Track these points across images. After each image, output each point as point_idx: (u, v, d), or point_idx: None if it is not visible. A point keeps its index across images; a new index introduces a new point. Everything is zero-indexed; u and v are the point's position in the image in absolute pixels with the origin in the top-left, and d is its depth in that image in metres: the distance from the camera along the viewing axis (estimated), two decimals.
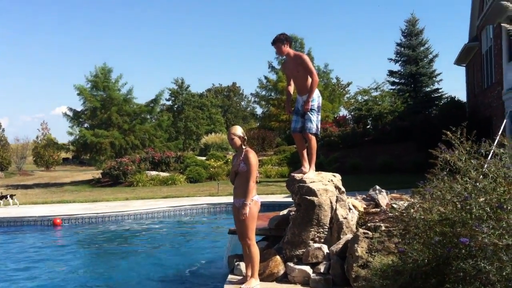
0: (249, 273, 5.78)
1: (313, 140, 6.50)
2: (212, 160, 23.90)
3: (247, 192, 5.54)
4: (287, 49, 6.39)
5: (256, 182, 5.86)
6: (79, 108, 27.87)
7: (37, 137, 46.08)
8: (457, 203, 4.14)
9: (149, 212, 13.41)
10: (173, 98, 52.86)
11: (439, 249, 4.02)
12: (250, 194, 5.57)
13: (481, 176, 4.25)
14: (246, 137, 5.84)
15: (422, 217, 4.34)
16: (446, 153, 4.60)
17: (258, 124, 42.94)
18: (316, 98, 6.40)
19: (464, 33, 24.06)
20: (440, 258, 4.02)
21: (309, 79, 6.35)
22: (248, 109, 66.62)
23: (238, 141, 5.70)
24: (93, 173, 26.31)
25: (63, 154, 41.75)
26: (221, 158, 24.77)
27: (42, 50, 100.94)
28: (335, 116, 29.90)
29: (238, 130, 5.79)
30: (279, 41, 6.35)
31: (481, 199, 3.99)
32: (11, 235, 11.48)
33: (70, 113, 27.65)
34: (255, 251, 5.70)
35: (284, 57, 6.58)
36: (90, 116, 27.28)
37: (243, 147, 5.72)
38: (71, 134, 27.17)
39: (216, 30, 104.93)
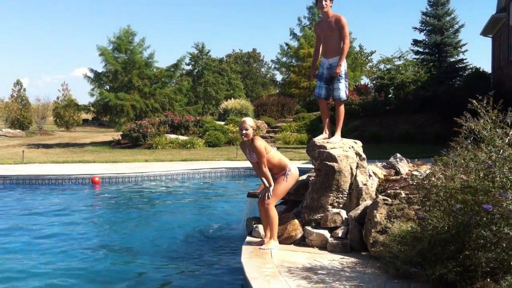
0: (268, 235, 5.87)
1: (342, 107, 6.55)
2: (230, 125, 23.92)
3: (266, 179, 5.81)
4: (329, 6, 6.32)
5: (277, 148, 6.00)
6: (100, 69, 27.96)
7: (57, 98, 46.48)
8: (480, 171, 4.12)
9: (168, 174, 13.56)
10: (193, 63, 52.70)
11: (459, 216, 4.02)
12: (269, 178, 5.82)
13: (506, 145, 4.20)
14: (257, 128, 5.90)
15: (444, 184, 4.33)
16: (471, 122, 4.55)
17: (277, 91, 42.76)
18: (344, 64, 6.37)
19: (492, 4, 23.44)
20: (461, 225, 4.03)
21: (340, 42, 6.30)
22: (268, 75, 66.22)
23: (251, 133, 5.74)
24: (112, 135, 26.54)
25: (83, 115, 42.12)
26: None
27: (62, 11, 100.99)
28: (356, 84, 29.57)
29: (251, 121, 5.83)
30: None
31: (505, 168, 3.96)
32: (34, 193, 11.70)
33: (91, 75, 27.72)
34: (274, 214, 5.80)
35: (318, 16, 6.52)
36: (111, 79, 27.33)
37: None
38: (92, 95, 27.31)
39: None
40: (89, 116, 45.94)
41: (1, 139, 29.29)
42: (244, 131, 5.73)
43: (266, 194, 5.82)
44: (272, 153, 5.90)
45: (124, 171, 13.47)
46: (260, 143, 5.72)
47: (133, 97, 26.29)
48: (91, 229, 8.26)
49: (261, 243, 5.92)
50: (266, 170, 5.80)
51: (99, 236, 7.86)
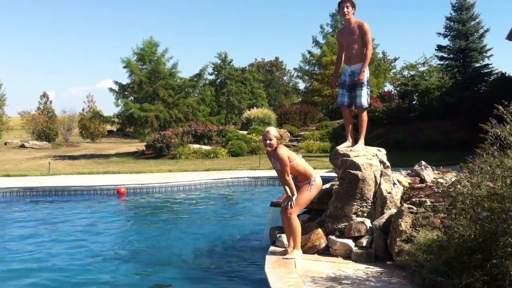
0: (292, 245, 5.84)
1: (365, 114, 6.50)
2: (253, 134, 23.93)
3: (289, 187, 5.80)
4: (351, 13, 6.32)
5: (301, 156, 5.99)
6: (124, 81, 28.28)
7: (83, 110, 47.11)
8: (507, 178, 4.04)
9: (191, 184, 13.61)
10: (216, 73, 52.98)
11: (486, 224, 3.94)
12: (292, 187, 5.80)
13: None
14: (280, 137, 5.87)
15: (470, 192, 4.25)
16: (497, 128, 4.47)
17: (300, 99, 42.70)
18: (366, 71, 6.33)
19: None
20: (487, 233, 3.95)
21: (363, 49, 6.27)
22: (290, 84, 66.18)
23: (275, 143, 5.73)
24: (137, 145, 26.78)
25: (108, 127, 42.60)
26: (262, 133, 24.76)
27: (87, 24, 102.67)
28: (380, 91, 29.36)
29: (275, 131, 5.81)
30: (349, 1, 6.28)
31: None
32: (60, 204, 11.86)
33: (116, 87, 28.07)
34: (296, 223, 5.78)
35: (341, 23, 6.53)
36: (136, 90, 27.62)
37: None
38: (117, 105, 27.62)
39: (260, 4, 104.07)
40: (114, 128, 46.44)
41: (28, 151, 29.78)
42: (268, 141, 5.72)
43: (289, 203, 5.80)
44: (297, 161, 5.87)
45: (148, 182, 13.57)
46: (283, 151, 5.70)
47: (157, 107, 26.53)
48: (116, 240, 8.32)
49: (284, 252, 5.89)
50: (289, 178, 5.78)
51: (124, 247, 7.90)
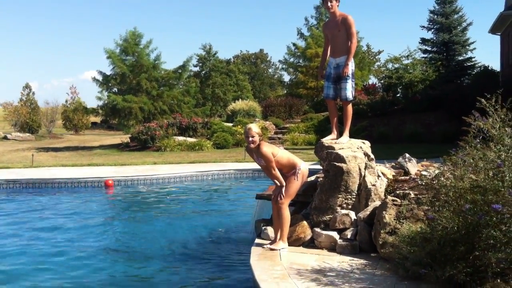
0: (278, 236, 5.86)
1: (349, 107, 6.53)
2: (239, 126, 23.90)
3: (277, 180, 5.85)
4: (335, 6, 6.31)
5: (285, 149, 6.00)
6: (108, 72, 28.06)
7: (66, 101, 46.61)
8: (489, 170, 4.09)
9: (176, 177, 13.57)
10: (200, 64, 52.77)
11: (469, 216, 3.99)
12: (280, 179, 5.85)
13: None
14: (262, 134, 5.91)
15: (453, 184, 4.30)
16: (480, 121, 4.51)
17: (285, 91, 42.75)
18: (351, 64, 6.35)
19: (500, 1, 23.31)
20: (470, 225, 4.00)
21: (348, 42, 6.28)
22: (276, 76, 66.19)
23: (257, 140, 5.75)
24: (121, 138, 26.61)
25: (92, 119, 42.25)
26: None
27: (71, 14, 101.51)
28: (364, 84, 29.45)
29: (256, 128, 5.84)
30: None
31: None
32: (44, 197, 11.76)
33: (100, 77, 27.83)
34: (287, 214, 5.82)
35: (328, 16, 6.53)
36: (119, 82, 27.42)
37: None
38: (100, 99, 27.45)
39: None
40: (97, 119, 46.11)
41: (11, 143, 29.46)
42: (250, 138, 5.74)
43: (280, 194, 5.82)
44: (280, 154, 5.88)
45: (133, 174, 13.51)
46: (266, 149, 5.72)
47: (141, 99, 26.38)
48: (101, 233, 8.27)
49: (271, 244, 5.91)
50: (276, 172, 5.81)
51: (108, 240, 7.86)
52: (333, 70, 6.50)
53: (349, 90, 6.40)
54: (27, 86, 43.42)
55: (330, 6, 6.30)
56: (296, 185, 5.91)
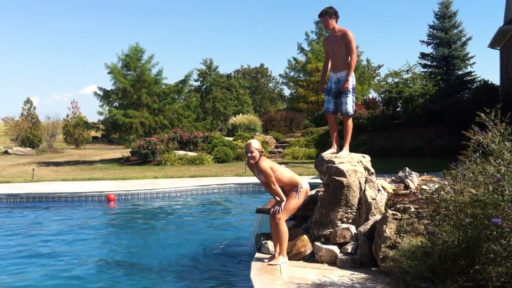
0: (278, 251, 5.85)
1: (350, 121, 6.56)
2: (239, 140, 23.91)
3: (278, 196, 5.88)
4: (333, 23, 6.39)
5: (286, 164, 6.01)
6: (109, 87, 28.16)
7: (67, 116, 46.71)
8: (489, 185, 4.09)
9: (177, 191, 13.57)
10: (201, 79, 52.94)
11: (469, 230, 3.99)
12: (280, 194, 5.88)
13: None
14: (263, 150, 5.94)
15: (453, 198, 4.30)
16: (479, 135, 4.53)
17: (285, 106, 42.83)
18: (351, 79, 6.39)
19: (500, 16, 23.47)
20: (470, 239, 3.99)
21: (348, 57, 6.33)
22: (276, 90, 66.36)
23: (257, 155, 5.77)
24: (122, 152, 26.62)
25: (93, 133, 42.27)
26: (248, 139, 24.78)
27: (72, 29, 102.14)
28: (364, 98, 29.53)
29: (257, 144, 5.88)
30: (327, 14, 6.35)
31: None
32: (44, 211, 11.74)
33: (100, 93, 27.94)
34: (284, 229, 5.81)
35: (328, 31, 6.59)
36: (120, 96, 27.51)
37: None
38: (101, 114, 27.51)
39: (246, 10, 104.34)
40: (98, 134, 46.13)
41: (12, 158, 29.47)
42: (249, 154, 5.77)
43: (278, 208, 5.83)
44: (281, 171, 5.91)
45: (133, 188, 13.50)
46: (265, 164, 5.75)
47: (142, 114, 26.45)
48: (101, 246, 8.27)
49: (270, 259, 5.90)
50: (276, 187, 5.82)
51: (107, 253, 7.84)
52: (334, 85, 6.55)
53: (350, 105, 6.44)
54: (28, 101, 43.58)
55: (329, 24, 6.38)
56: (296, 202, 5.92)
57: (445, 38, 27.87)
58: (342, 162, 6.16)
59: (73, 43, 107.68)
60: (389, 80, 26.64)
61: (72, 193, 12.97)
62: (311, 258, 5.93)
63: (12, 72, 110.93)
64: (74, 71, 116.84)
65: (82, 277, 6.50)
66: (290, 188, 5.94)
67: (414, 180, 6.80)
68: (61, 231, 9.40)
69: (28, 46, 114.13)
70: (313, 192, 6.81)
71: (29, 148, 34.66)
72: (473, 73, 28.61)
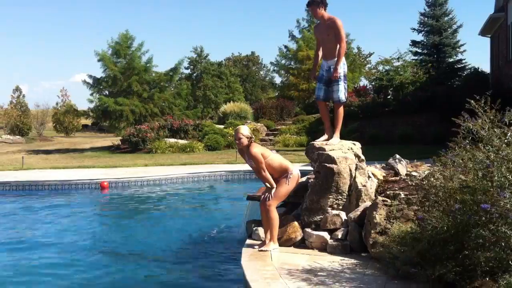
0: (268, 237, 5.87)
1: (341, 109, 6.56)
2: (230, 128, 23.87)
3: (268, 182, 5.86)
4: (321, 11, 6.34)
5: (277, 151, 6.01)
6: (99, 75, 27.96)
7: (57, 104, 46.39)
8: (478, 171, 4.12)
9: (168, 179, 13.56)
10: (192, 67, 52.66)
11: (459, 216, 4.03)
12: (270, 181, 5.86)
13: (504, 145, 4.20)
14: (253, 136, 5.92)
15: (443, 185, 4.33)
16: (469, 122, 4.55)
17: (277, 94, 42.75)
18: (342, 66, 6.37)
19: (490, 4, 23.54)
20: (460, 225, 4.03)
21: (337, 45, 6.31)
22: (267, 78, 66.18)
23: (245, 141, 5.80)
24: (112, 140, 26.51)
25: (83, 121, 42.03)
26: None
27: (62, 16, 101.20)
28: (355, 86, 29.55)
29: (246, 130, 5.88)
30: (314, 3, 6.31)
31: (504, 168, 3.96)
32: (35, 199, 11.70)
33: (90, 80, 27.73)
34: (274, 216, 5.82)
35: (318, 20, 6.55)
36: (110, 84, 27.33)
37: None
38: (91, 101, 27.33)
39: None
40: (88, 122, 45.86)
41: (1, 146, 29.27)
42: (237, 140, 5.78)
43: (268, 195, 5.83)
44: (272, 157, 5.91)
45: (124, 176, 13.47)
46: (255, 150, 5.75)
47: (132, 102, 26.31)
48: (92, 234, 8.26)
49: (261, 246, 5.92)
50: (266, 174, 5.83)
51: (98, 241, 7.85)
52: (325, 73, 6.53)
53: (342, 92, 6.43)
54: (17, 89, 43.23)
55: (317, 14, 6.35)
56: (286, 188, 5.93)
57: (436, 25, 27.94)
58: (333, 149, 6.17)
59: (63, 30, 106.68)
60: (380, 68, 26.72)
61: (62, 180, 12.92)
62: (302, 244, 5.95)
63: (1, 59, 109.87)
64: (64, 59, 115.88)
65: (71, 264, 6.50)
66: (280, 174, 5.94)
67: (404, 167, 6.84)
68: (51, 218, 9.38)
69: (17, 33, 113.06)
70: (304, 179, 6.82)
71: (18, 136, 34.41)
72: (463, 61, 28.75)
